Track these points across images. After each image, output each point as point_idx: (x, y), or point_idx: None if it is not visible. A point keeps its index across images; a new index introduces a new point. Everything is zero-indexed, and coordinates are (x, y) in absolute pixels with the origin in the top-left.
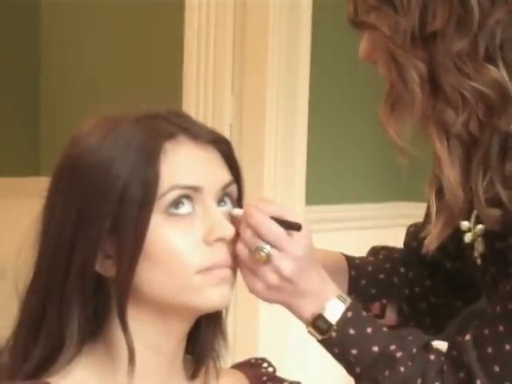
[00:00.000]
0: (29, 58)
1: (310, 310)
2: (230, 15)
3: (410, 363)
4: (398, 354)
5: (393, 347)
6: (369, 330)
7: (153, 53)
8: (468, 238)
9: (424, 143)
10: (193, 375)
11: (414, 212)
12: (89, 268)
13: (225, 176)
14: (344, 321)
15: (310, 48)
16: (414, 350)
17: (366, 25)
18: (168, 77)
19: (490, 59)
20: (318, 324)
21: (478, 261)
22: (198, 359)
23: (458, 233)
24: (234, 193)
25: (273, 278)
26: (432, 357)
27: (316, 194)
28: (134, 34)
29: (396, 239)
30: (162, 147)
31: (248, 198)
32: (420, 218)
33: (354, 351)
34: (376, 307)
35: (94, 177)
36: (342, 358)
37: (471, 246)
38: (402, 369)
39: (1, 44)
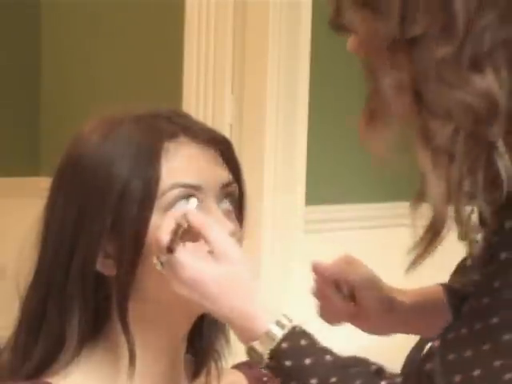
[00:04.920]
0: (29, 58)
1: (244, 339)
2: (229, 15)
3: None
4: None
5: (333, 379)
6: (307, 361)
7: (153, 53)
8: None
9: None
10: (194, 376)
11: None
12: (89, 267)
13: (224, 175)
14: (279, 352)
15: (310, 48)
16: (358, 383)
17: (345, 29)
18: (168, 77)
19: (477, 67)
20: (252, 355)
21: None
22: (199, 360)
23: None
24: (235, 192)
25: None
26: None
27: (316, 194)
28: (134, 34)
29: (396, 239)
30: (163, 146)
31: (248, 197)
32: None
33: (294, 383)
34: None
35: (95, 176)
36: None
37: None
38: None
39: (1, 44)
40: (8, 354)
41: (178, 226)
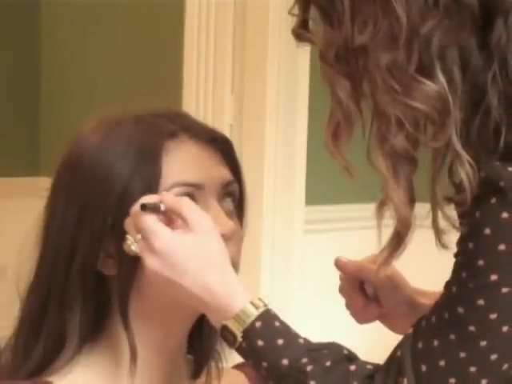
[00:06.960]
0: (29, 58)
1: (216, 318)
2: (229, 15)
3: (322, 377)
4: (309, 368)
5: (304, 360)
6: (280, 341)
7: (153, 53)
8: None
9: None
10: (194, 375)
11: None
12: (90, 267)
13: (225, 174)
14: (252, 331)
15: (310, 48)
16: (328, 364)
17: (304, 38)
18: (168, 77)
19: (426, 71)
20: (225, 334)
21: None
22: (199, 359)
23: None
24: (236, 192)
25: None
26: (353, 367)
27: (316, 194)
28: (134, 34)
29: None
30: (163, 146)
31: (248, 197)
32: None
33: (265, 364)
34: None
35: (95, 175)
36: (256, 370)
37: None
38: (313, 383)
39: (1, 44)
40: (8, 353)
41: (155, 204)
